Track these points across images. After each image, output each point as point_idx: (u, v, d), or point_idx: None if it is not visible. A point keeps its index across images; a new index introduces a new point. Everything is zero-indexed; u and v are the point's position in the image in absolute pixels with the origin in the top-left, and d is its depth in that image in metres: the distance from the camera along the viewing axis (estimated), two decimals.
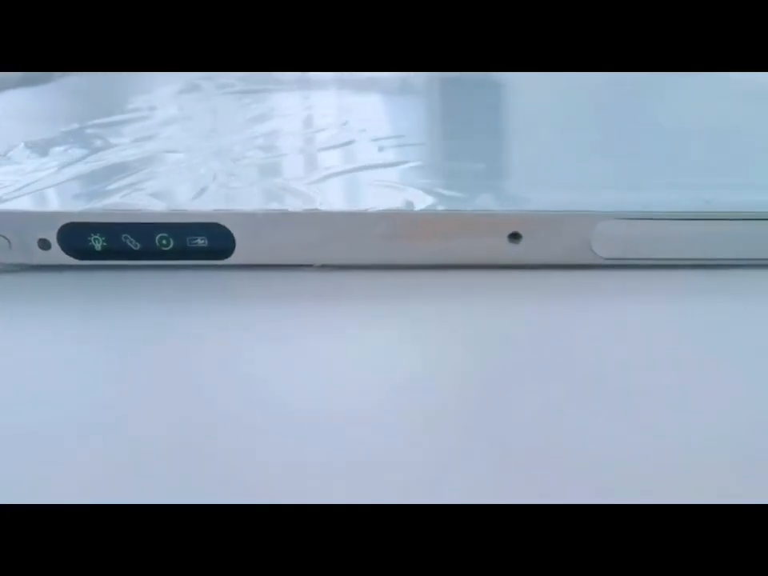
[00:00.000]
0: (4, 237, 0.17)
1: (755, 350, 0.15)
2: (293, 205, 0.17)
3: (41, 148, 0.22)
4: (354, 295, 0.17)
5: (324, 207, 0.17)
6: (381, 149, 0.22)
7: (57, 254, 0.17)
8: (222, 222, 0.17)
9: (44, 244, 0.17)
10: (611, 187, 0.19)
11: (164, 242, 0.17)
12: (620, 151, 0.22)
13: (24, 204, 0.18)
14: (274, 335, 0.15)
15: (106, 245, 0.17)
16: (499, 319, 0.16)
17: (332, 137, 0.23)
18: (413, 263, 0.17)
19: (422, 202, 0.17)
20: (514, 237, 0.17)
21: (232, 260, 0.17)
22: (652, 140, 0.23)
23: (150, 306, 0.16)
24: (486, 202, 0.17)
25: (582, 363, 0.14)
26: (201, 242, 0.17)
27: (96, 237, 0.17)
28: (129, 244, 0.17)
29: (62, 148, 0.22)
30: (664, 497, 0.11)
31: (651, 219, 0.17)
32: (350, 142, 0.22)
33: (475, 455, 0.12)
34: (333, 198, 0.18)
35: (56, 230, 0.17)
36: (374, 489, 0.11)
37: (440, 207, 0.17)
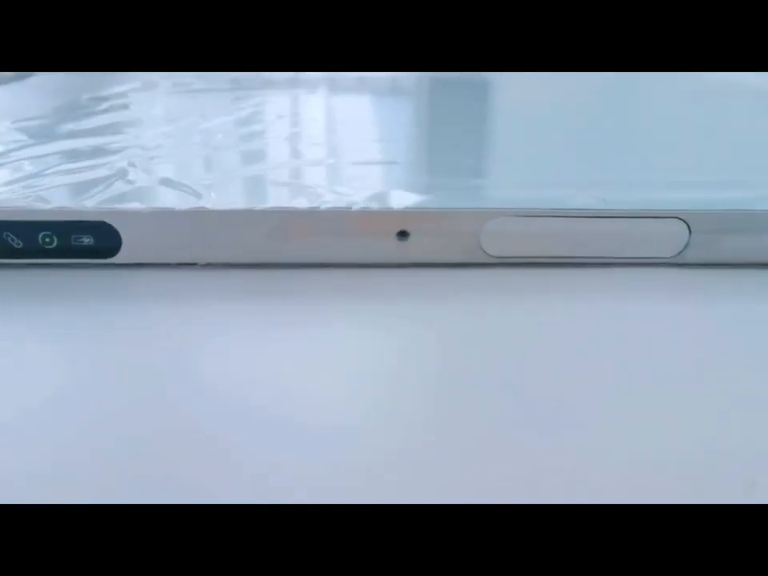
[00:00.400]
0: None
1: (645, 348, 0.15)
2: (179, 203, 0.17)
3: None
4: (238, 294, 0.16)
5: (209, 205, 0.17)
6: (293, 147, 0.22)
7: None
8: (108, 221, 0.17)
9: None
10: (505, 184, 0.19)
11: (47, 240, 0.17)
12: (524, 149, 0.22)
13: None
14: (158, 333, 0.15)
15: None
16: (383, 318, 0.16)
17: (244, 136, 0.23)
18: (299, 262, 0.17)
19: (315, 200, 0.17)
20: (402, 235, 0.17)
21: (118, 259, 0.17)
22: (559, 137, 0.23)
23: (32, 304, 0.16)
24: (375, 200, 0.17)
25: (465, 363, 0.14)
26: (86, 240, 0.17)
27: None
28: (10, 242, 0.17)
29: None
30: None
31: (541, 216, 0.17)
32: (264, 142, 0.22)
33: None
34: (223, 196, 0.17)
35: None
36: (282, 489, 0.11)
37: (325, 206, 0.17)
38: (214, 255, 0.17)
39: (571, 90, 0.32)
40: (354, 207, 0.17)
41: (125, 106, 0.28)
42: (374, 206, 0.17)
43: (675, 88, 0.33)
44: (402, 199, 0.17)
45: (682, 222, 0.17)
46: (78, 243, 0.17)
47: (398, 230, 0.17)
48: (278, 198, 0.17)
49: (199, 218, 0.17)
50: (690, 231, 0.17)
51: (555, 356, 0.14)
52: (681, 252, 0.17)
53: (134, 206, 0.17)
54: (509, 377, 0.13)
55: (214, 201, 0.17)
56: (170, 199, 0.17)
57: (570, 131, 0.24)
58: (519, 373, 0.14)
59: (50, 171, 0.19)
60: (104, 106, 0.28)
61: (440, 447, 0.11)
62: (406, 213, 0.17)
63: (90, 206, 0.17)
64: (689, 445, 0.12)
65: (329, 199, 0.17)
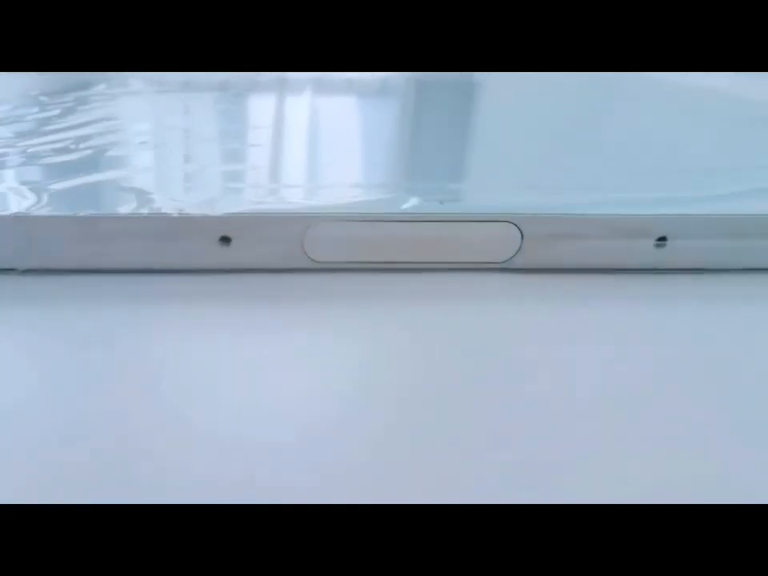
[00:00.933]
0: None
1: (470, 353, 0.14)
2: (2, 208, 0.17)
3: None
4: (59, 300, 0.16)
5: (32, 211, 0.17)
6: (186, 152, 0.22)
7: None
8: None
9: None
10: (330, 188, 0.18)
11: None
12: (355, 152, 0.22)
13: None
14: None
15: None
16: (200, 324, 0.15)
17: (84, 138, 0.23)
18: (122, 267, 0.17)
19: (143, 205, 0.17)
20: (225, 240, 0.17)
21: None
22: (395, 140, 0.23)
23: None
24: (202, 205, 0.17)
25: (279, 369, 0.14)
26: None
27: None
28: None
29: None
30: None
31: (365, 221, 0.17)
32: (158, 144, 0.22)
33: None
34: (54, 201, 0.17)
35: None
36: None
37: (146, 211, 0.17)
38: (33, 261, 0.17)
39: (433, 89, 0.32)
40: (176, 213, 0.17)
41: None
42: (196, 211, 0.17)
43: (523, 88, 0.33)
44: (228, 204, 0.17)
45: (514, 226, 0.17)
46: None
47: (220, 235, 0.17)
48: (103, 204, 0.17)
49: (19, 223, 0.17)
50: (522, 235, 0.17)
51: (375, 364, 0.14)
52: (512, 257, 0.17)
53: None
54: (322, 382, 0.13)
55: (37, 206, 0.17)
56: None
57: (408, 134, 0.24)
58: (332, 378, 0.13)
59: None
60: None
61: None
62: (227, 218, 0.17)
63: None
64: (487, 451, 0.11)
65: (158, 205, 0.17)
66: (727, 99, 0.32)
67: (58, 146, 0.22)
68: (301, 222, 0.17)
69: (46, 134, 0.23)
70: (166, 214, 0.17)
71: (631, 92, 0.32)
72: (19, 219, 0.16)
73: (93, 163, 0.20)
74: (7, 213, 0.17)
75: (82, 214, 0.16)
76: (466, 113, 0.28)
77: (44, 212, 0.17)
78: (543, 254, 0.17)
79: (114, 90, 0.31)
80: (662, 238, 0.17)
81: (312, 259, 0.17)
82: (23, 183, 0.18)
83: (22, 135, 0.23)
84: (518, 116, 0.28)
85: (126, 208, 0.17)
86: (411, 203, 0.17)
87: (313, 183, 0.19)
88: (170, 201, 0.17)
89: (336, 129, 0.25)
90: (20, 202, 0.17)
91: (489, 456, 0.11)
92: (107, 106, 0.28)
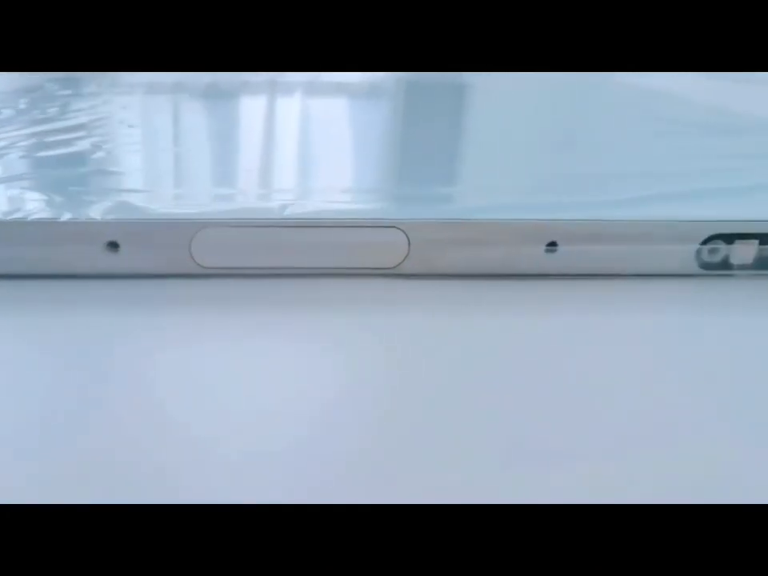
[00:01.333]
0: None
1: (357, 361, 0.14)
2: None
3: None
4: None
5: None
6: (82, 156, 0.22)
7: None
8: None
9: None
10: (215, 194, 0.18)
11: None
12: (251, 158, 0.22)
13: None
14: None
15: None
16: (86, 330, 0.15)
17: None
18: (8, 273, 0.17)
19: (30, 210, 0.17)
20: (112, 246, 0.17)
21: None
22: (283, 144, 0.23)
23: None
24: (86, 210, 0.17)
25: (168, 373, 0.14)
26: None
27: None
28: None
29: None
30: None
31: (250, 227, 0.17)
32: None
33: None
34: None
35: None
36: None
37: (31, 216, 0.17)
38: None
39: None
40: (62, 218, 0.17)
41: None
42: (82, 216, 0.17)
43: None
44: (116, 209, 0.17)
45: (401, 232, 0.17)
46: None
47: (107, 240, 0.17)
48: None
49: None
50: (408, 241, 0.17)
51: (255, 370, 0.14)
52: (401, 263, 0.17)
53: None
54: (200, 387, 0.13)
55: None
56: None
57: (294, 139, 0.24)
58: (210, 383, 0.13)
59: None
60: None
61: None
62: (114, 223, 0.17)
63: None
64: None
65: (45, 209, 0.17)
66: (662, 100, 0.32)
67: None
68: (187, 229, 0.17)
69: None
70: (52, 219, 0.17)
71: (552, 92, 0.32)
72: None
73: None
74: None
75: None
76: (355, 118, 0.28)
77: None
78: (432, 260, 0.17)
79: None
80: (552, 243, 0.17)
81: (200, 265, 0.17)
82: None
83: None
84: (419, 120, 0.28)
85: (16, 213, 0.17)
86: (295, 208, 0.17)
87: (199, 190, 0.19)
88: (56, 206, 0.17)
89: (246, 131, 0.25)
90: None
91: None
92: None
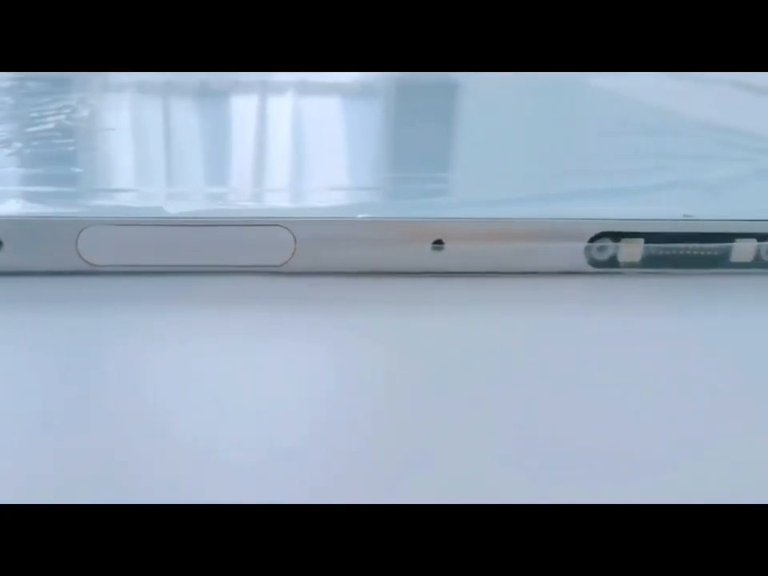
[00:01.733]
0: None
1: (242, 358, 0.15)
2: None
3: None
4: None
5: None
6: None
7: None
8: None
9: None
10: (101, 192, 0.18)
11: None
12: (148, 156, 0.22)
13: None
14: None
15: None
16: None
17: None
18: None
19: None
20: None
21: None
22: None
23: None
24: None
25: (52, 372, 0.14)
26: None
27: None
28: None
29: None
30: None
31: (134, 225, 0.17)
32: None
33: None
34: None
35: None
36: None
37: None
38: None
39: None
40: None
41: None
42: None
43: None
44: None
45: (286, 230, 0.17)
46: None
47: None
48: None
49: None
50: (294, 239, 0.17)
51: (140, 367, 0.14)
52: (288, 261, 0.17)
53: None
54: (80, 384, 0.13)
55: None
56: None
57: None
58: (86, 378, 0.14)
59: None
60: None
61: None
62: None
63: None
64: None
65: None
66: (614, 101, 0.32)
67: None
68: (72, 227, 0.17)
69: None
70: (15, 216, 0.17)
71: (496, 92, 0.32)
72: None
73: None
74: None
75: None
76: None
77: None
78: (318, 258, 0.17)
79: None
80: (439, 242, 0.17)
81: (88, 263, 0.17)
82: None
83: None
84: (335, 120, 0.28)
85: None
86: (180, 207, 0.17)
87: (80, 188, 0.19)
88: None
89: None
90: None
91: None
92: None
